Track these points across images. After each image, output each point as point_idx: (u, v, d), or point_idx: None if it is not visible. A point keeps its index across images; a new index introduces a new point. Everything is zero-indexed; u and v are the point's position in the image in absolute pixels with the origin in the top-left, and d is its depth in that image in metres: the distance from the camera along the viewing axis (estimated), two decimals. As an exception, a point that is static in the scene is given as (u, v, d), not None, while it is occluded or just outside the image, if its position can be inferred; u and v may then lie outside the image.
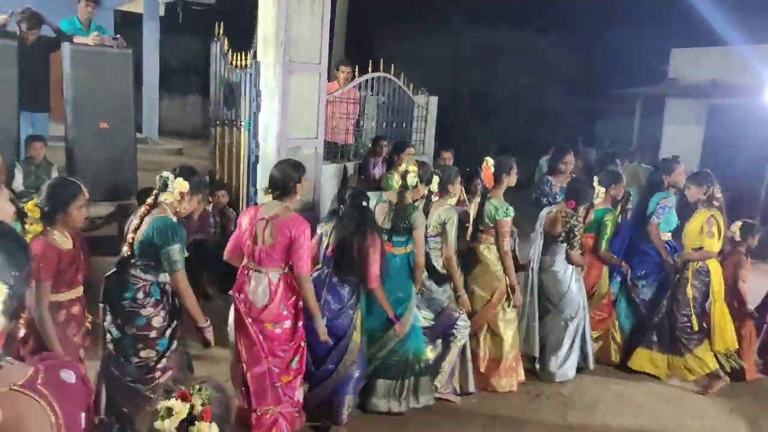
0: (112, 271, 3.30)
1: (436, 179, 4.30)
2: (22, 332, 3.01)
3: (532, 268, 4.87)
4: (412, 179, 4.14)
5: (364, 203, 3.88)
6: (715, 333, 4.84)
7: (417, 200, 4.30)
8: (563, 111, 17.78)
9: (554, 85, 18.59)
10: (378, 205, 4.16)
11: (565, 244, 4.74)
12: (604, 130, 18.19)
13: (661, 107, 14.71)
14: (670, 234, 5.24)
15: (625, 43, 16.04)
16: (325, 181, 6.62)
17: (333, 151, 7.11)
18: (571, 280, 4.79)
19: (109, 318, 3.25)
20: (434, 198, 4.32)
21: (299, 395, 3.65)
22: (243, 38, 6.79)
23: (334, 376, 3.80)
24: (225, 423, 1.51)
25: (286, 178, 3.51)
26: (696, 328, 4.86)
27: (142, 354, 3.20)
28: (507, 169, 4.62)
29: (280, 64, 5.84)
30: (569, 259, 4.75)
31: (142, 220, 3.21)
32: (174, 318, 3.30)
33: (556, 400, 4.62)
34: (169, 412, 1.44)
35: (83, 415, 1.30)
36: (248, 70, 6.17)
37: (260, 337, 3.47)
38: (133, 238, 3.19)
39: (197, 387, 1.49)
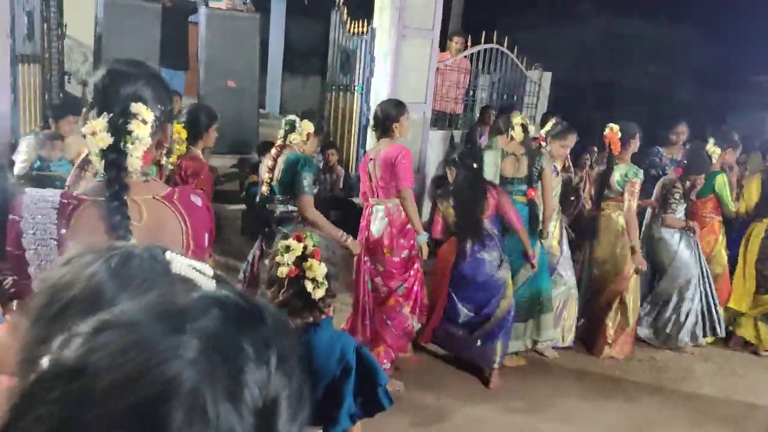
0: (262, 217, 3.67)
1: (550, 123, 4.45)
2: None
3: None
4: (519, 133, 4.27)
5: (475, 164, 4.05)
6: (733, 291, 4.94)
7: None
8: (693, 102, 16.87)
9: (685, 75, 17.66)
10: (505, 158, 4.28)
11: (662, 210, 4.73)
12: (738, 121, 17.04)
13: (801, 97, 13.65)
14: None
15: (762, 28, 14.97)
16: (431, 146, 6.82)
17: (441, 119, 7.29)
18: (679, 245, 4.72)
19: (258, 253, 3.62)
20: (542, 143, 4.44)
21: (410, 323, 3.83)
22: (363, 10, 7.11)
23: (492, 320, 3.98)
24: (332, 265, 1.77)
25: (385, 115, 3.74)
26: None
27: None
28: (632, 134, 4.60)
29: (395, 28, 6.09)
30: (664, 223, 4.69)
31: (275, 161, 3.56)
32: None
33: (650, 365, 4.58)
34: (287, 248, 1.73)
35: (206, 235, 1.58)
36: (364, 36, 6.49)
37: (373, 267, 3.75)
38: (270, 178, 3.55)
39: (308, 233, 1.77)
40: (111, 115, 1.42)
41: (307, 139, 3.62)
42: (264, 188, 3.62)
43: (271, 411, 0.50)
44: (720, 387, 4.30)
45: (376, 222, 3.74)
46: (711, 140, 4.97)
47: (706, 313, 4.82)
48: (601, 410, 3.87)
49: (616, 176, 4.51)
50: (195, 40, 6.37)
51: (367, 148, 6.51)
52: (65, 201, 1.41)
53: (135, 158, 1.44)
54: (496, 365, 3.98)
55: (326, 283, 1.73)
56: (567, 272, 4.58)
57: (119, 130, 1.42)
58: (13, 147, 4.40)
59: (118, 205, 1.41)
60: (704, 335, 4.86)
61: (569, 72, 12.87)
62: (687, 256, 4.73)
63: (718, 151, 4.91)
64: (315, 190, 3.65)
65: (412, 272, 3.79)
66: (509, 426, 3.60)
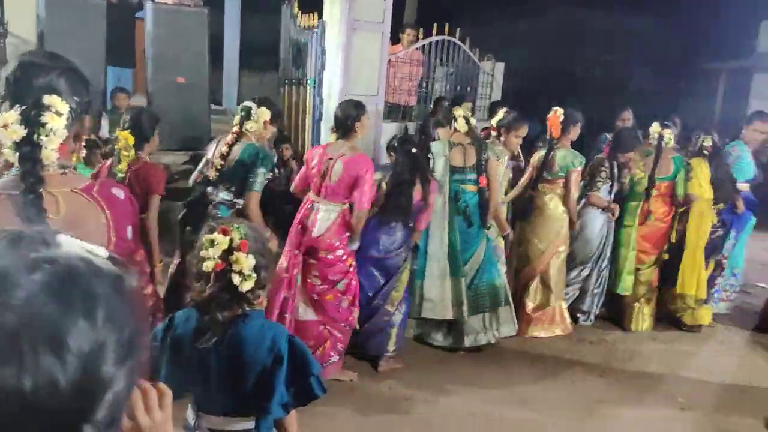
0: (195, 196, 3.62)
1: (501, 112, 4.57)
2: None
3: None
4: (462, 125, 4.33)
5: (414, 150, 4.08)
6: (684, 276, 4.93)
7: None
8: (646, 90, 17.23)
9: (638, 63, 18.02)
10: (452, 149, 4.32)
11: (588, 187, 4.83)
12: (688, 108, 17.47)
13: (747, 83, 14.07)
14: (747, 185, 5.16)
15: (711, 17, 15.37)
16: (385, 139, 6.81)
17: (395, 112, 7.32)
18: (592, 224, 4.81)
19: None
20: (493, 133, 4.51)
21: (351, 316, 3.85)
22: (313, 3, 7.08)
23: (382, 311, 4.03)
24: (261, 256, 1.76)
25: (346, 116, 3.74)
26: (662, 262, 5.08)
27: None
28: (575, 121, 4.68)
29: (345, 21, 6.08)
30: (589, 201, 4.79)
31: (230, 147, 3.49)
32: None
33: (601, 346, 4.69)
34: (212, 243, 1.72)
35: (130, 228, 1.57)
36: (315, 30, 6.47)
37: (306, 261, 3.76)
38: (222, 164, 3.49)
39: (236, 225, 1.76)
40: (24, 107, 1.40)
41: (264, 127, 3.58)
42: (212, 173, 3.55)
43: (96, 356, 0.55)
44: (667, 366, 4.43)
45: (318, 222, 3.73)
46: (656, 124, 5.05)
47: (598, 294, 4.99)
48: (553, 392, 3.94)
49: (558, 160, 4.59)
50: (143, 37, 6.25)
51: (322, 142, 6.51)
52: (-22, 196, 1.39)
53: (50, 150, 1.43)
54: (389, 353, 4.04)
55: (254, 275, 1.72)
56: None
57: (32, 123, 1.40)
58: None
59: (34, 198, 1.39)
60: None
61: (524, 62, 13.05)
62: (594, 234, 4.82)
63: (671, 133, 4.99)
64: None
65: (351, 268, 3.79)
66: (463, 412, 3.64)
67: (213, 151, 3.66)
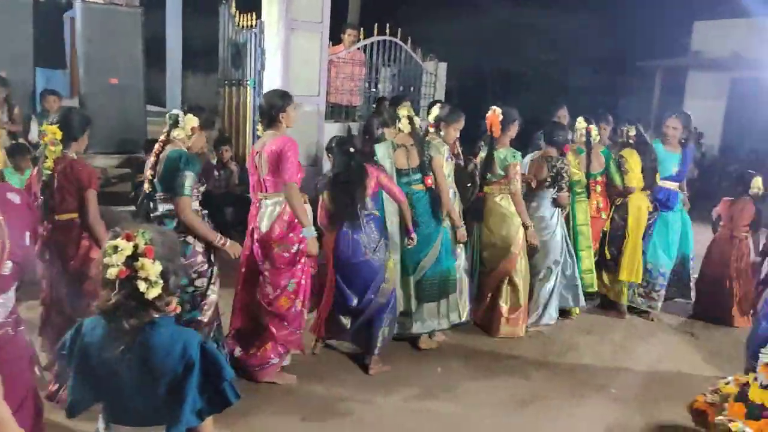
0: (141, 213, 3.51)
1: (437, 108, 4.56)
2: None
3: None
4: (405, 125, 4.35)
5: (351, 149, 4.08)
6: (622, 264, 5.16)
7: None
8: (585, 88, 17.67)
9: (578, 62, 18.48)
10: (396, 150, 4.34)
11: (552, 189, 4.85)
12: (626, 106, 17.99)
13: (682, 81, 14.58)
14: (674, 184, 5.26)
15: (648, 17, 15.88)
16: (327, 139, 6.80)
17: (337, 112, 7.31)
18: (556, 225, 4.91)
19: None
20: (431, 129, 4.53)
21: (303, 318, 3.86)
22: (252, 2, 7.01)
23: (373, 304, 4.04)
24: (168, 262, 1.72)
25: (270, 106, 3.69)
26: (608, 257, 5.28)
27: (197, 283, 3.40)
28: (512, 119, 4.74)
29: (283, 21, 6.05)
30: (556, 202, 4.86)
31: (158, 157, 3.43)
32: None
33: (537, 340, 4.78)
34: (115, 249, 1.66)
35: (28, 234, 1.52)
36: (254, 30, 6.41)
37: (261, 265, 3.74)
38: (153, 175, 3.42)
39: (141, 230, 1.71)
40: None
41: (192, 134, 3.50)
42: (146, 185, 3.49)
43: None
44: (601, 357, 4.56)
45: (265, 217, 3.71)
46: (580, 118, 5.22)
47: (567, 289, 5.07)
48: (489, 388, 4.00)
49: (498, 162, 4.66)
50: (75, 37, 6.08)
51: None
52: None
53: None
54: (375, 353, 4.05)
55: (161, 281, 1.68)
56: (461, 258, 4.71)
57: None
58: None
59: None
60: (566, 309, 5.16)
61: (466, 61, 13.22)
62: (560, 235, 4.93)
63: (594, 126, 5.15)
64: (202, 188, 3.56)
65: (299, 266, 3.77)
66: (400, 410, 3.67)
67: (146, 164, 3.61)
